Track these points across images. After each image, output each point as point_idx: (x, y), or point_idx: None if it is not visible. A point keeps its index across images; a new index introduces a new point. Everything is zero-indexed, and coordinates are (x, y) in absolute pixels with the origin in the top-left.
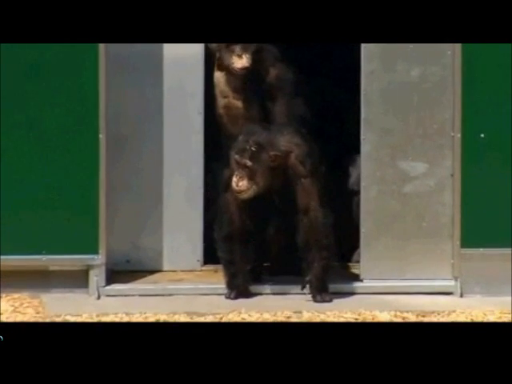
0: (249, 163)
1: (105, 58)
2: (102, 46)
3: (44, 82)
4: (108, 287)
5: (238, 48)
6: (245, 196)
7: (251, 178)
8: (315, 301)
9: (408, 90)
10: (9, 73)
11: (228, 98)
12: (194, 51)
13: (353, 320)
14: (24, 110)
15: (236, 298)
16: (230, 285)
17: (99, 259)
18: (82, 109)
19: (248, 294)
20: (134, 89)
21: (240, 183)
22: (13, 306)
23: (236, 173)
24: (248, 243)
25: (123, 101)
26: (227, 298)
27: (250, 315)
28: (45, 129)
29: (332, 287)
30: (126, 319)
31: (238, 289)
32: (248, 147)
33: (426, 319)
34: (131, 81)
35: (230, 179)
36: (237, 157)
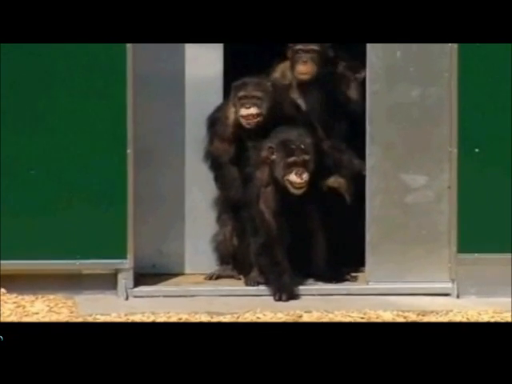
0: (307, 157)
1: (132, 79)
2: (129, 67)
3: (77, 100)
4: (135, 289)
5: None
6: (304, 189)
7: (308, 171)
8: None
9: (409, 109)
10: (40, 86)
11: None
12: (214, 70)
13: (359, 319)
14: (57, 127)
15: (288, 299)
16: (279, 287)
17: (127, 263)
18: (112, 128)
19: (296, 295)
20: (158, 107)
21: (303, 176)
22: (48, 306)
23: (295, 171)
24: (284, 246)
25: (148, 118)
26: (278, 300)
27: (264, 314)
28: (79, 146)
29: (341, 288)
30: (151, 318)
31: (289, 290)
32: (296, 145)
33: (426, 318)
34: (156, 99)
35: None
36: (292, 159)
